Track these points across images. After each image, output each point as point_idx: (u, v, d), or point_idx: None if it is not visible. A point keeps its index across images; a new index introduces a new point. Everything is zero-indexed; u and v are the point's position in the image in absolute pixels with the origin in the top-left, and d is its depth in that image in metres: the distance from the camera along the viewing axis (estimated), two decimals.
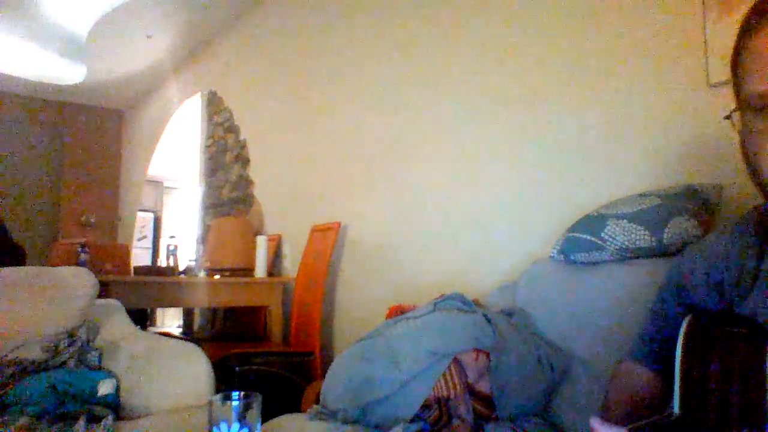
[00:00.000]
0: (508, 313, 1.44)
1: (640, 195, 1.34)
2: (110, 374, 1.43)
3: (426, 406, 1.18)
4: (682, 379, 0.66)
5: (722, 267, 0.77)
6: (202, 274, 3.28)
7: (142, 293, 2.65)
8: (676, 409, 0.65)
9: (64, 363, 1.48)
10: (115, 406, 1.36)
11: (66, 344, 1.54)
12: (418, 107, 2.41)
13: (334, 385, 1.29)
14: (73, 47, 4.79)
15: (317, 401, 1.34)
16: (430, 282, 2.23)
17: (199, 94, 4.92)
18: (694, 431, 0.62)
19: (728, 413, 0.60)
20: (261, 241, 3.08)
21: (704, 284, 0.79)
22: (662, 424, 0.64)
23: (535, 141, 1.87)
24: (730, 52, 0.70)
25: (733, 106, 0.70)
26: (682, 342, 0.67)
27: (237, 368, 2.35)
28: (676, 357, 0.67)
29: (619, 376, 0.91)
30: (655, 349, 0.85)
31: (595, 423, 0.60)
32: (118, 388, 1.39)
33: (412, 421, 1.15)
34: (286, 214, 3.51)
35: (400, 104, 2.52)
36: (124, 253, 3.78)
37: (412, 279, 2.36)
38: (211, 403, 0.75)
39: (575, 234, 1.35)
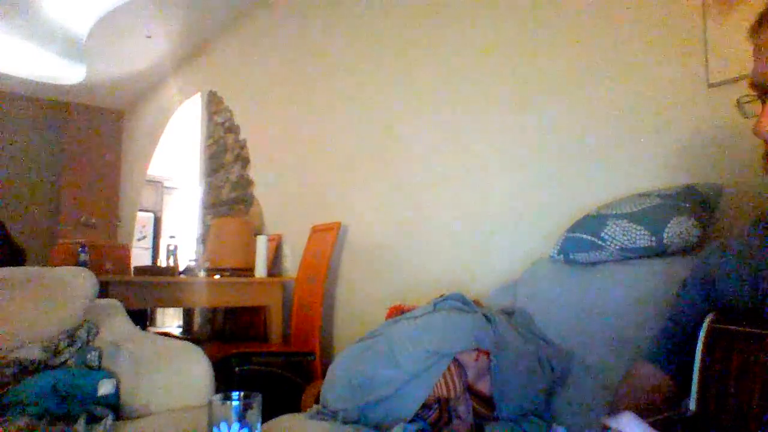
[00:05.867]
0: (508, 313, 1.44)
1: (640, 195, 1.34)
2: (110, 374, 1.43)
3: (426, 406, 1.18)
4: (700, 376, 0.65)
5: (756, 261, 0.74)
6: (202, 274, 3.28)
7: (142, 293, 2.65)
8: (692, 407, 0.64)
9: (64, 363, 1.48)
10: (115, 406, 1.36)
11: (66, 344, 1.54)
12: (418, 107, 2.41)
13: (334, 385, 1.29)
14: (73, 47, 4.79)
15: (317, 401, 1.34)
16: (430, 282, 2.23)
17: (199, 94, 4.91)
18: (710, 430, 0.61)
19: (747, 414, 0.59)
20: (261, 241, 3.08)
21: (736, 278, 0.76)
22: (677, 420, 0.63)
23: (535, 141, 1.87)
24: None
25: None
26: (703, 338, 0.66)
27: (237, 368, 2.35)
28: (696, 354, 0.66)
29: (633, 377, 0.89)
30: (672, 350, 0.84)
31: (605, 420, 0.60)
32: (118, 388, 1.39)
33: (412, 421, 1.15)
34: (286, 214, 3.51)
35: (401, 104, 2.52)
36: (124, 253, 3.77)
37: (412, 279, 2.36)
38: (211, 403, 0.75)
39: (575, 234, 1.35)
